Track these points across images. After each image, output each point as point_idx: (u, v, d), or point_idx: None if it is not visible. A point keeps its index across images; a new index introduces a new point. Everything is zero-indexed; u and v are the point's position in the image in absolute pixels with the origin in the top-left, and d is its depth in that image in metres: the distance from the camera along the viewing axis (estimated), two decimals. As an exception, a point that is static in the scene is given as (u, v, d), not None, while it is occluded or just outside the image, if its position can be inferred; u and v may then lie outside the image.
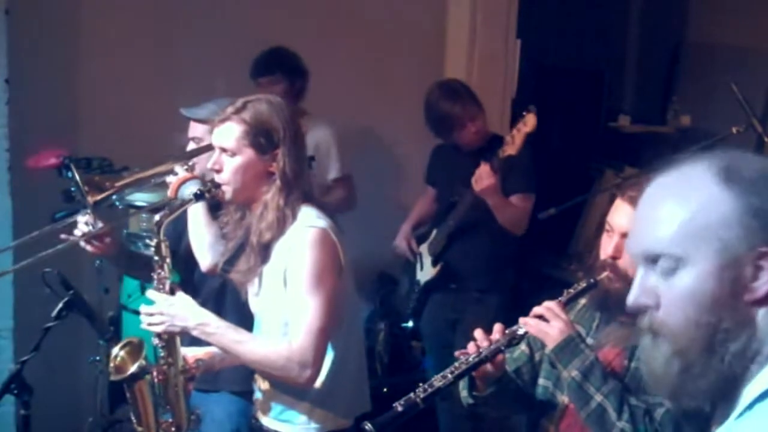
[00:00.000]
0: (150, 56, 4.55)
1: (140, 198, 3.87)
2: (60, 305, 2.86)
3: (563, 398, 2.38)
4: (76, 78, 4.49)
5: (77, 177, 2.92)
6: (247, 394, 2.91)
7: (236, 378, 2.94)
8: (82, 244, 2.94)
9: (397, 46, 5.17)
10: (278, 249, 2.60)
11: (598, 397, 2.21)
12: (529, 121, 3.76)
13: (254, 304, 2.74)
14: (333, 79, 4.52)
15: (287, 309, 2.56)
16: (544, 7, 6.26)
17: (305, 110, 4.39)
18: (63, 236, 2.94)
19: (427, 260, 4.25)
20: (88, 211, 2.90)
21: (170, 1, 4.67)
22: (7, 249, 3.44)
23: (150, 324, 2.56)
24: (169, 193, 2.93)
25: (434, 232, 4.23)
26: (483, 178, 3.81)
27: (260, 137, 2.57)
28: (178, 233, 3.08)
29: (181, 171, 2.95)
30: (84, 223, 2.93)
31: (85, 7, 4.50)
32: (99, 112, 4.47)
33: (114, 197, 3.05)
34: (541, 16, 6.17)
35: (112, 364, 2.64)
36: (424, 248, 4.29)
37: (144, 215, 3.90)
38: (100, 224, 2.94)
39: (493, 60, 5.34)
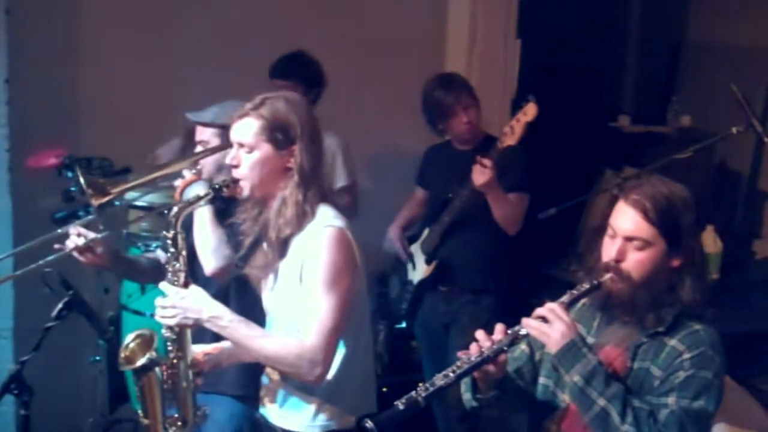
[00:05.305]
0: (150, 56, 4.54)
1: (140, 197, 3.87)
2: (60, 305, 2.86)
3: (564, 397, 2.38)
4: (76, 78, 4.48)
5: (81, 179, 2.91)
6: (248, 398, 2.91)
7: (238, 382, 2.95)
8: (75, 254, 2.94)
9: (397, 46, 5.16)
10: (296, 245, 2.61)
11: (601, 402, 2.20)
12: (530, 111, 3.67)
13: (268, 299, 2.74)
14: (333, 79, 4.50)
15: (301, 306, 2.57)
16: (544, 7, 6.26)
17: None
18: (57, 246, 2.96)
19: (420, 259, 4.23)
20: (91, 215, 2.90)
21: (170, 2, 4.67)
22: (7, 257, 3.44)
23: (163, 317, 2.56)
24: (176, 195, 2.95)
25: (426, 230, 4.21)
26: (481, 171, 3.75)
27: (277, 133, 2.60)
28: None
29: (187, 174, 2.97)
30: (76, 235, 2.95)
31: (85, 7, 4.50)
32: (99, 112, 4.47)
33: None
34: (541, 16, 6.16)
35: (122, 354, 2.64)
36: (415, 248, 4.27)
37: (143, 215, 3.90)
38: (91, 235, 2.95)
39: (493, 60, 5.33)
